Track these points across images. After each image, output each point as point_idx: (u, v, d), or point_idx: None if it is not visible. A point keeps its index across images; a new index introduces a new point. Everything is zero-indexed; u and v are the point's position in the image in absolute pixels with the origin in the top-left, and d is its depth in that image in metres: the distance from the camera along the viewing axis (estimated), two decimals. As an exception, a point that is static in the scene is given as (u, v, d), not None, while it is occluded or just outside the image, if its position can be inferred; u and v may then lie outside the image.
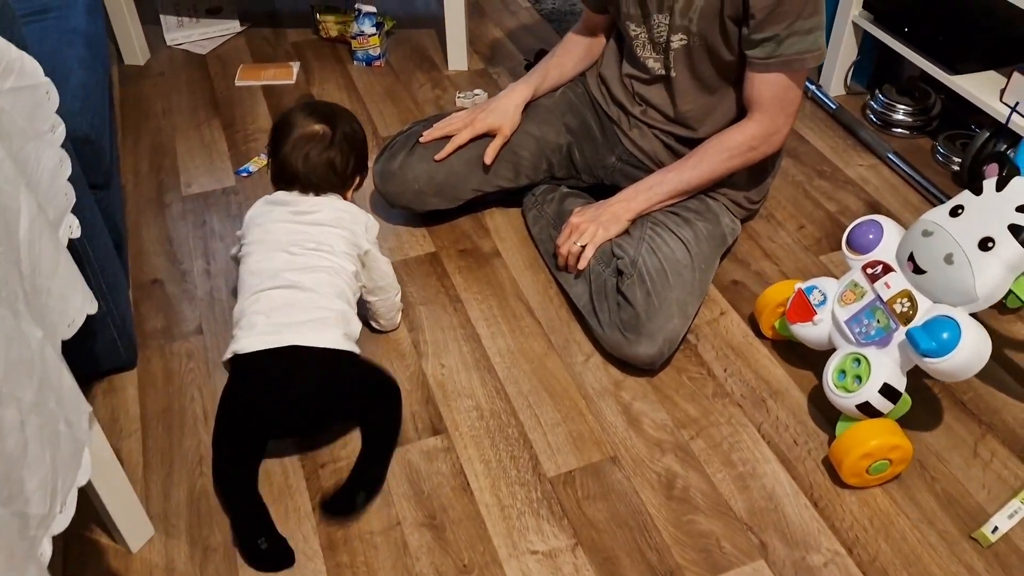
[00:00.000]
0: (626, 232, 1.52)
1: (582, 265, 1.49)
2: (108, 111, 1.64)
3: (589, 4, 1.65)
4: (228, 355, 1.24)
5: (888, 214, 1.75)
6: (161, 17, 2.44)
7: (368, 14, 2.22)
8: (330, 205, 1.34)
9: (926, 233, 1.21)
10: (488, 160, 1.62)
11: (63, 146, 0.99)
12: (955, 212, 1.20)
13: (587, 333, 1.50)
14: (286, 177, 1.35)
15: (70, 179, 1.09)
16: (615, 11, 1.55)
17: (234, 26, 2.43)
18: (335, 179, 1.36)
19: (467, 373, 1.43)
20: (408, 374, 1.43)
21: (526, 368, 1.44)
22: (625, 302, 1.39)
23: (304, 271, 1.26)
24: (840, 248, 1.64)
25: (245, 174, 1.90)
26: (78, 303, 0.83)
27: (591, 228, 1.50)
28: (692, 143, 1.56)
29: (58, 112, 1.24)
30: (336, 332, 1.24)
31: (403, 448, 1.31)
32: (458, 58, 2.24)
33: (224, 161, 1.94)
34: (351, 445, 1.32)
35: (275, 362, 1.20)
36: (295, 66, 2.27)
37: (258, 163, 1.93)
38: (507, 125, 1.62)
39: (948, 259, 1.17)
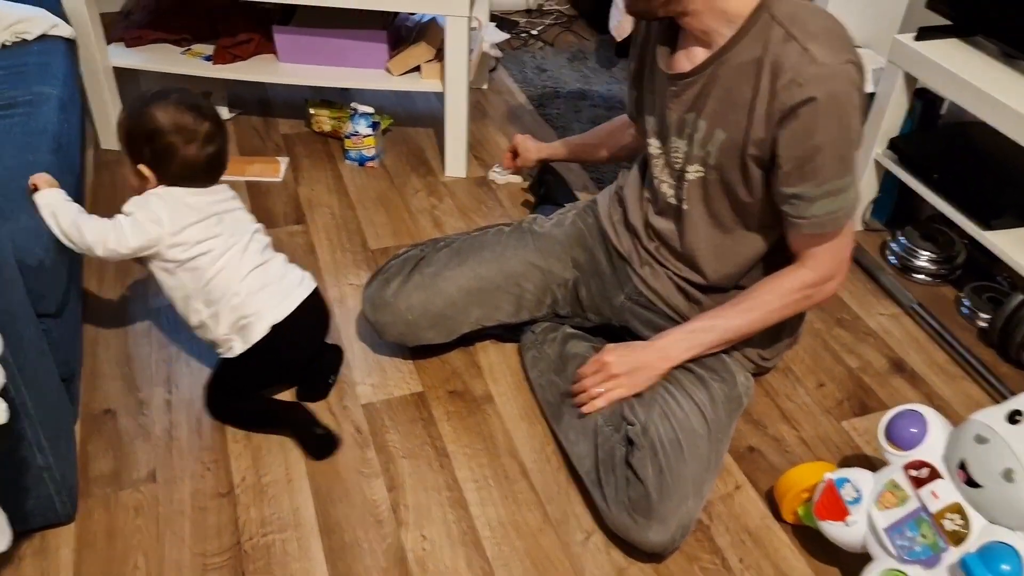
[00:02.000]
0: None
1: (588, 410, 1.35)
2: (71, 222, 1.49)
3: (627, 104, 1.58)
4: (263, 332, 1.37)
5: (913, 373, 1.62)
6: (145, 99, 2.31)
7: (364, 114, 2.10)
8: (224, 185, 1.44)
9: (980, 439, 1.08)
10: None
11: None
12: (1014, 419, 1.06)
13: (588, 503, 1.34)
14: (195, 174, 1.37)
15: (10, 315, 0.94)
16: (642, 124, 1.45)
17: (222, 113, 2.30)
18: (225, 165, 1.43)
19: (452, 549, 1.27)
20: (384, 546, 1.27)
21: (519, 546, 1.28)
22: (635, 478, 1.24)
23: (265, 244, 1.44)
24: (864, 414, 1.53)
25: (220, 285, 1.75)
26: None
27: (619, 379, 1.35)
28: (708, 291, 1.43)
29: (8, 231, 1.09)
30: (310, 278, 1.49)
31: (374, 646, 1.14)
32: (456, 164, 2.13)
33: (198, 268, 1.79)
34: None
35: (298, 316, 1.41)
36: (283, 162, 2.14)
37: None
38: (531, 152, 1.97)
39: (1007, 475, 1.03)
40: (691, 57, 1.28)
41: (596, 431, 1.34)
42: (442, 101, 2.04)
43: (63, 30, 1.83)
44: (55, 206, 1.29)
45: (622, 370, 1.36)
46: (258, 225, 1.45)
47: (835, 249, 1.30)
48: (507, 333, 1.63)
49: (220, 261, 1.36)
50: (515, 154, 2.01)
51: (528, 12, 2.96)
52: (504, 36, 2.46)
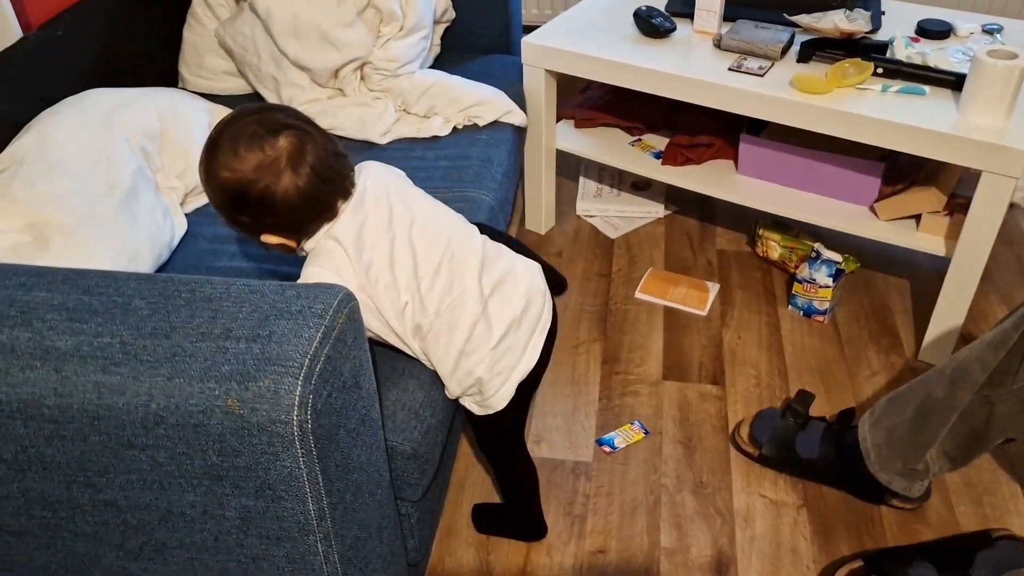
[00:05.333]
0: None
1: None
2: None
3: None
4: (509, 397, 1.11)
5: None
6: (580, 179, 2.12)
7: (827, 261, 1.66)
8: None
9: None
10: None
11: None
12: None
13: None
14: (321, 200, 1.01)
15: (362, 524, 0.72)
16: None
17: (657, 210, 2.03)
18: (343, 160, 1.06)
19: None
20: None
21: None
22: None
23: (492, 246, 1.13)
24: None
25: (608, 447, 1.47)
26: None
27: None
28: None
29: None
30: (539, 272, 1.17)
31: None
32: (938, 347, 1.59)
33: (588, 416, 1.52)
34: None
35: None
36: (712, 290, 1.80)
37: (630, 436, 1.49)
38: None
39: None
40: None
41: None
42: (937, 259, 1.54)
43: (515, 117, 1.67)
44: None
45: None
46: (460, 218, 1.14)
47: None
48: None
49: (436, 291, 1.05)
50: None
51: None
52: (1045, 181, 1.83)
